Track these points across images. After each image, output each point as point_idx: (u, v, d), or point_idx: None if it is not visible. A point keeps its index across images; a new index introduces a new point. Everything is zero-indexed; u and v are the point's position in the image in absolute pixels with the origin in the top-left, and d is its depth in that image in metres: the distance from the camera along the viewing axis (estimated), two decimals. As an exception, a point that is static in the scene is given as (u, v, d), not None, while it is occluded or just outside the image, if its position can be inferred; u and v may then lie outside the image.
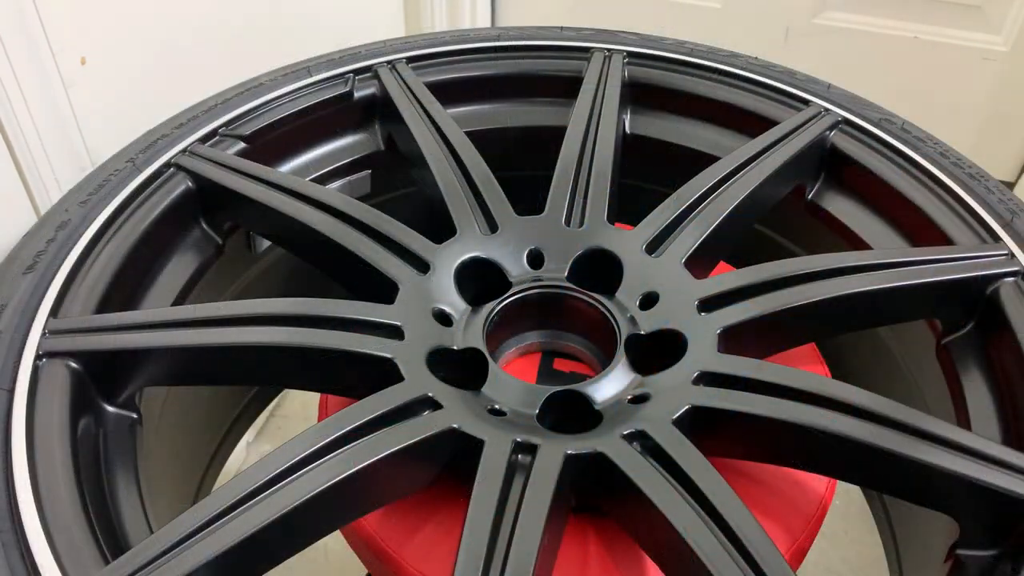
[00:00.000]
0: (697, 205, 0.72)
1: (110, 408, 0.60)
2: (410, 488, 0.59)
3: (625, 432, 0.55)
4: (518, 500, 0.51)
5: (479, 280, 0.69)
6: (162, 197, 0.71)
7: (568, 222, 0.73)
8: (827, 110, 0.80)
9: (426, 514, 0.61)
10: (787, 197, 0.80)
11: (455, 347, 0.63)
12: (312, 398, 0.79)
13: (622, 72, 0.86)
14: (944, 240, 0.70)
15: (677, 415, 0.56)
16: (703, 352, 0.61)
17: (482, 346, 0.64)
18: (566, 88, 0.87)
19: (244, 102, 0.81)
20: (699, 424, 0.57)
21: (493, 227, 0.72)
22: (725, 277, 0.66)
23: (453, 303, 0.67)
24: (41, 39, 0.80)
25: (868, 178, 0.76)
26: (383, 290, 0.66)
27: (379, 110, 0.86)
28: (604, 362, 0.66)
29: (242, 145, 0.78)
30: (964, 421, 0.63)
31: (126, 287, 0.67)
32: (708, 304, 0.65)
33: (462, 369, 0.62)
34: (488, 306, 0.67)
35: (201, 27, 1.02)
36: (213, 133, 0.78)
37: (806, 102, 0.82)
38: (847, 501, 1.35)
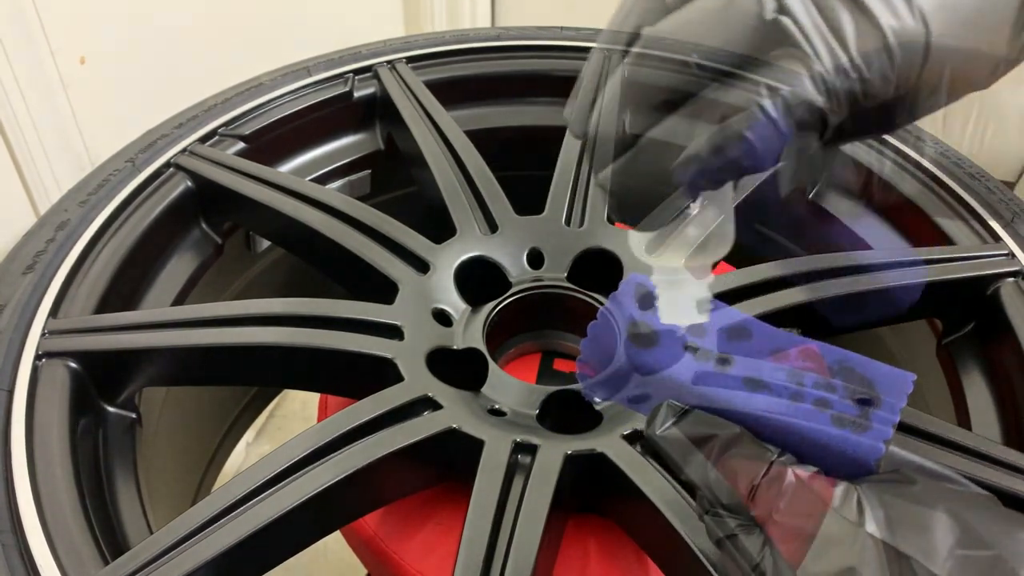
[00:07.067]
0: (697, 205, 0.72)
1: (110, 408, 0.60)
2: (410, 488, 0.59)
3: (625, 432, 0.55)
4: (518, 500, 0.51)
5: (479, 280, 0.69)
6: (162, 197, 0.71)
7: (568, 222, 0.73)
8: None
9: (426, 514, 0.61)
10: (788, 197, 0.79)
11: (455, 347, 0.63)
12: (312, 398, 0.79)
13: (622, 71, 0.86)
14: (945, 240, 0.70)
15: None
16: (703, 352, 0.61)
17: (482, 346, 0.64)
18: (566, 88, 0.86)
19: (244, 102, 0.81)
20: (699, 424, 0.57)
21: (493, 227, 0.72)
22: (725, 277, 0.66)
23: (453, 303, 0.67)
24: (40, 39, 0.80)
25: (869, 178, 0.76)
26: (383, 290, 0.66)
27: (379, 110, 0.86)
28: (604, 362, 0.66)
29: (242, 145, 0.78)
30: (965, 421, 0.63)
31: (126, 287, 0.67)
32: (708, 304, 0.65)
33: (462, 369, 0.62)
34: (488, 306, 0.67)
35: (200, 27, 1.02)
36: (213, 133, 0.78)
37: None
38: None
